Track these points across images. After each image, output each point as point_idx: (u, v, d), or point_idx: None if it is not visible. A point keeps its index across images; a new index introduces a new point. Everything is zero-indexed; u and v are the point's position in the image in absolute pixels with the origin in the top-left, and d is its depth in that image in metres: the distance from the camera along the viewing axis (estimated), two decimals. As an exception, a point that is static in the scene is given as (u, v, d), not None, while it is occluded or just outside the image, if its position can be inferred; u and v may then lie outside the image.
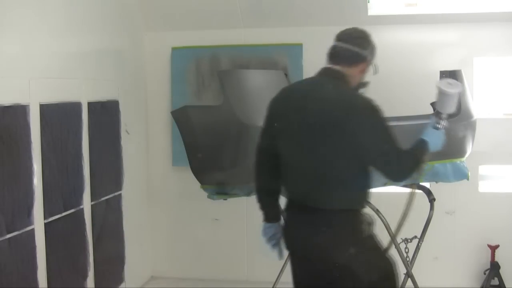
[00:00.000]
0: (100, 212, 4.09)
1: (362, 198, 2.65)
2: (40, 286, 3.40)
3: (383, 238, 3.43)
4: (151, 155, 5.22)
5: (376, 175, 2.70)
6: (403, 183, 3.10)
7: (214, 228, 5.20)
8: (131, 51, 4.80)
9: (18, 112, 3.24)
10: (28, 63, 3.38)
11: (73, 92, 3.82)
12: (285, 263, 4.29)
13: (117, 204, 4.38)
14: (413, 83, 4.79)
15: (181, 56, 5.06)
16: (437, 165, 3.54)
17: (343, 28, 2.63)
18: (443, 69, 3.92)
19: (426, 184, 3.68)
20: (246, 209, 5.10)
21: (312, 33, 4.94)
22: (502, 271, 4.68)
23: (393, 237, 3.34)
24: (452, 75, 3.80)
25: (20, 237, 3.23)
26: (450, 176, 3.60)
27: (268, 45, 4.97)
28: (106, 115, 4.23)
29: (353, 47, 2.63)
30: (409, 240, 3.37)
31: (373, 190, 3.45)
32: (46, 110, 3.46)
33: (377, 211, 3.29)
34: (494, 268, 4.69)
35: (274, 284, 4.32)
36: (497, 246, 4.71)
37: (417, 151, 2.67)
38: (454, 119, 3.65)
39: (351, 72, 2.65)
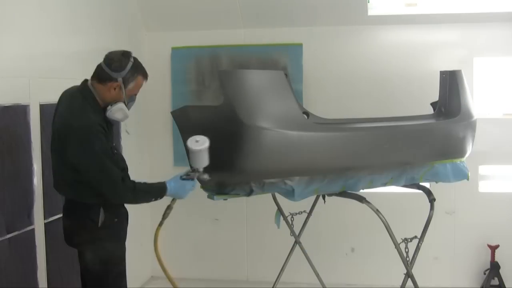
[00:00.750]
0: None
1: (95, 196, 2.84)
2: (40, 286, 3.40)
3: (383, 238, 3.45)
4: (152, 155, 5.22)
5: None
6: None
7: (214, 228, 5.20)
8: (131, 51, 4.80)
9: (18, 112, 3.24)
10: (28, 63, 3.38)
11: (73, 92, 3.82)
12: (285, 263, 4.30)
13: (117, 204, 4.37)
14: (413, 83, 4.79)
15: (181, 56, 5.07)
16: (437, 165, 3.54)
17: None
18: (443, 69, 3.92)
19: (426, 184, 3.68)
20: (246, 209, 5.11)
21: (312, 33, 4.94)
22: (502, 271, 4.69)
23: (392, 237, 3.34)
24: (452, 75, 3.80)
25: (20, 237, 3.23)
26: (450, 176, 3.60)
27: (268, 45, 4.97)
28: (106, 115, 4.22)
29: (104, 66, 2.88)
30: (409, 240, 3.36)
31: (373, 190, 3.49)
32: (46, 110, 3.46)
33: (377, 211, 3.29)
34: (494, 268, 4.69)
35: (274, 284, 4.33)
36: (497, 246, 4.71)
37: (153, 188, 2.91)
38: (454, 119, 3.66)
39: (101, 89, 2.89)
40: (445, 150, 3.59)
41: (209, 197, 3.18)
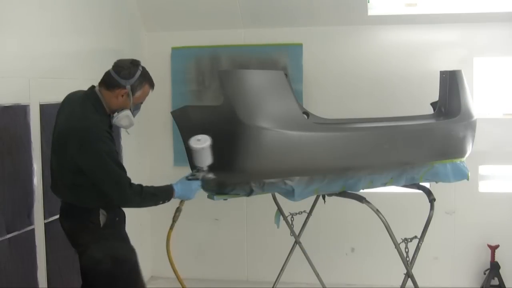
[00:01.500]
0: (100, 212, 4.09)
1: (94, 199, 2.86)
2: (40, 286, 3.40)
3: (383, 238, 3.45)
4: (152, 155, 5.22)
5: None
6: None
7: (214, 228, 5.20)
8: (131, 51, 4.79)
9: (18, 112, 3.24)
10: (28, 63, 3.38)
11: (73, 92, 3.82)
12: (285, 263, 4.30)
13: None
14: (413, 83, 4.79)
15: (181, 56, 5.07)
16: (437, 165, 3.54)
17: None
18: (443, 69, 3.92)
19: (426, 184, 3.68)
20: (246, 209, 5.11)
21: (312, 33, 4.94)
22: (502, 271, 4.69)
23: (392, 237, 3.34)
24: (452, 75, 3.80)
25: (20, 237, 3.23)
26: (450, 176, 3.60)
27: (268, 45, 4.97)
28: (106, 115, 4.22)
29: (113, 73, 2.91)
30: (409, 240, 3.36)
31: (373, 190, 3.49)
32: (46, 110, 3.46)
33: (377, 211, 3.29)
34: (494, 268, 4.69)
35: (274, 284, 4.33)
36: (497, 246, 4.71)
37: (160, 191, 2.91)
38: (454, 119, 3.66)
39: (108, 95, 2.91)
40: (445, 150, 3.59)
41: (209, 197, 3.18)
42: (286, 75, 3.29)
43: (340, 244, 5.03)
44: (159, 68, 5.03)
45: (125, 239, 3.04)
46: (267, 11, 4.89)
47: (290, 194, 3.19)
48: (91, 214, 2.87)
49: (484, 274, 4.76)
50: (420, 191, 3.60)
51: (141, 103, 3.04)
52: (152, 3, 4.97)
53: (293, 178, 3.15)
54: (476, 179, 4.74)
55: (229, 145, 2.94)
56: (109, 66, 2.96)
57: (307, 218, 4.24)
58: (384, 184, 3.45)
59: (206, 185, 3.06)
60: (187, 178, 2.98)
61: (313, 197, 3.88)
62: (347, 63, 4.93)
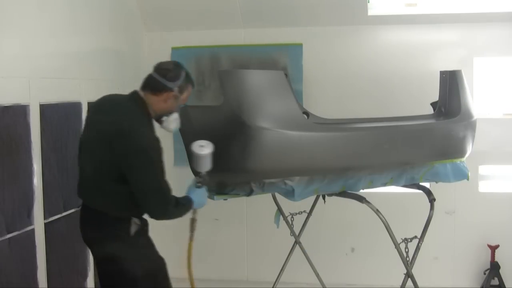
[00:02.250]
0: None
1: (131, 207, 2.79)
2: (40, 286, 3.40)
3: (383, 238, 3.45)
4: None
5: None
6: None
7: (214, 228, 5.20)
8: (131, 51, 4.80)
9: (18, 112, 3.24)
10: (28, 63, 3.38)
11: (73, 92, 3.82)
12: (285, 263, 4.30)
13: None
14: (413, 83, 4.79)
15: (181, 56, 5.06)
16: (437, 165, 3.54)
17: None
18: (443, 69, 3.92)
19: (426, 184, 3.68)
20: (246, 209, 5.11)
21: (312, 33, 4.94)
22: (502, 271, 4.69)
23: (392, 237, 3.34)
24: (452, 75, 3.80)
25: (20, 237, 3.23)
26: (450, 176, 3.60)
27: (268, 45, 4.97)
28: (106, 115, 4.22)
29: (158, 77, 2.82)
30: (409, 240, 3.36)
31: (373, 190, 3.49)
32: (46, 110, 3.46)
33: (377, 211, 3.29)
34: (494, 268, 4.69)
35: (274, 284, 4.33)
36: (497, 246, 4.71)
37: (186, 202, 2.88)
38: (454, 119, 3.66)
39: (154, 100, 2.82)
40: (445, 150, 3.59)
41: (209, 197, 3.17)
42: (286, 75, 3.29)
43: (340, 244, 5.03)
44: (159, 68, 5.04)
45: (154, 248, 2.96)
46: (267, 11, 4.89)
47: (290, 194, 3.19)
48: (122, 223, 2.78)
49: (484, 274, 4.76)
50: (420, 191, 3.60)
51: (184, 104, 2.95)
52: (152, 3, 4.97)
53: (293, 178, 3.15)
54: (476, 179, 4.74)
55: (229, 145, 2.94)
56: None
57: (307, 218, 4.24)
58: (384, 184, 3.46)
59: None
60: (196, 187, 2.94)
61: (313, 197, 3.88)
62: (347, 63, 4.93)
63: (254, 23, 4.97)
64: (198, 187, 2.94)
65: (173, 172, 4.99)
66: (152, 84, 2.82)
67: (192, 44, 5.05)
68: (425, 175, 3.53)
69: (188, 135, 3.14)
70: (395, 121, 3.82)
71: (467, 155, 3.72)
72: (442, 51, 4.80)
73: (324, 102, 4.86)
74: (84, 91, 3.93)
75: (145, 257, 2.85)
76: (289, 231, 4.26)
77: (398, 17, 4.78)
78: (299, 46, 4.93)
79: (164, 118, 2.87)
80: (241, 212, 5.11)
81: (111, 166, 2.70)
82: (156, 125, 2.92)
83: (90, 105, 2.97)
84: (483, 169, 4.84)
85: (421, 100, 4.15)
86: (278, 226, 4.13)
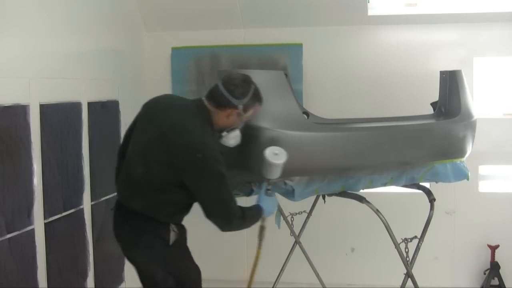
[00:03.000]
0: (100, 212, 4.09)
1: (174, 213, 2.86)
2: (40, 286, 3.40)
3: (383, 238, 3.45)
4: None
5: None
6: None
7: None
8: (131, 51, 4.80)
9: (18, 112, 3.24)
10: (28, 63, 3.38)
11: (73, 92, 3.82)
12: (285, 263, 4.30)
13: (117, 204, 4.37)
14: (413, 83, 4.79)
15: (181, 56, 5.07)
16: (437, 165, 3.54)
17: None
18: (443, 69, 3.92)
19: (426, 184, 3.68)
20: (246, 209, 5.10)
21: (312, 33, 4.94)
22: (502, 271, 4.69)
23: (392, 237, 3.34)
24: (452, 75, 3.80)
25: (20, 237, 3.22)
26: (450, 176, 3.60)
27: (268, 45, 4.97)
28: (106, 115, 4.22)
29: (225, 91, 2.72)
30: (409, 240, 3.36)
31: (373, 190, 3.49)
32: (46, 110, 3.46)
33: (377, 211, 3.29)
34: (494, 268, 4.69)
35: (274, 284, 4.33)
36: (497, 246, 4.71)
37: (256, 212, 2.88)
38: (454, 119, 3.66)
39: (217, 113, 2.75)
40: (445, 150, 3.59)
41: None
42: (286, 75, 3.29)
43: (340, 244, 5.03)
44: (159, 68, 5.04)
45: (190, 258, 2.99)
46: (267, 11, 4.89)
47: (290, 194, 3.19)
48: (162, 228, 2.79)
49: (484, 274, 4.77)
50: (420, 191, 3.60)
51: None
52: (152, 3, 4.96)
53: (293, 178, 3.16)
54: (476, 179, 4.74)
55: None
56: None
57: (307, 218, 4.24)
58: (384, 184, 3.46)
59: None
60: (267, 194, 2.91)
61: (313, 197, 3.88)
62: (347, 63, 4.93)
63: (254, 23, 4.97)
64: (269, 195, 2.91)
65: (173, 172, 5.04)
66: (217, 97, 2.73)
67: (192, 44, 5.04)
68: (425, 175, 3.53)
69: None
70: (395, 121, 3.82)
71: (467, 155, 3.72)
72: (442, 51, 4.80)
73: (324, 102, 4.85)
74: (84, 91, 3.93)
75: (179, 269, 2.86)
76: (289, 231, 4.26)
77: (398, 17, 4.78)
78: (299, 46, 4.93)
79: (224, 134, 2.78)
80: (241, 212, 5.11)
81: (171, 173, 2.68)
82: None
83: (149, 101, 2.89)
84: (483, 169, 4.84)
85: (421, 100, 4.15)
86: (279, 227, 4.12)
